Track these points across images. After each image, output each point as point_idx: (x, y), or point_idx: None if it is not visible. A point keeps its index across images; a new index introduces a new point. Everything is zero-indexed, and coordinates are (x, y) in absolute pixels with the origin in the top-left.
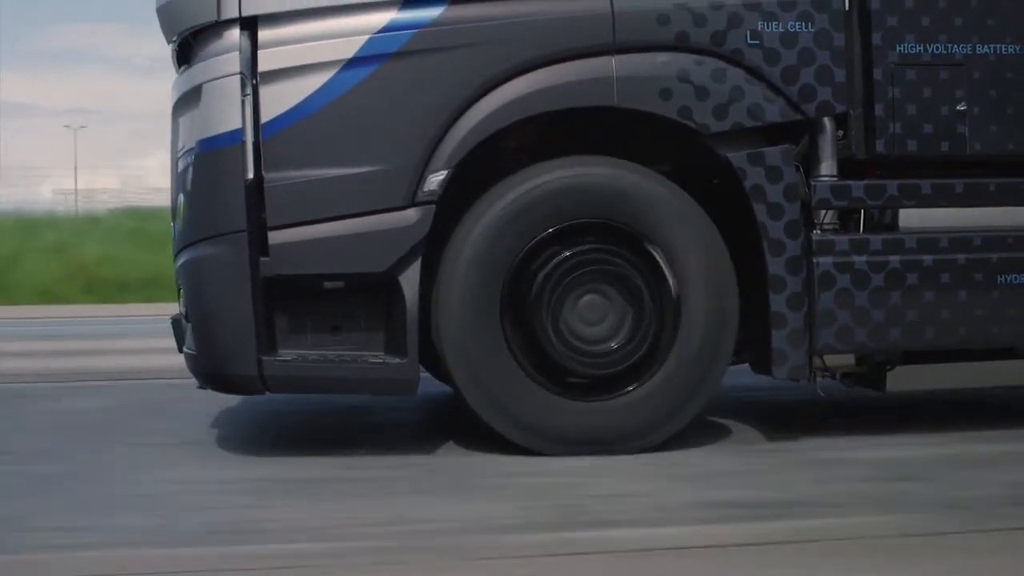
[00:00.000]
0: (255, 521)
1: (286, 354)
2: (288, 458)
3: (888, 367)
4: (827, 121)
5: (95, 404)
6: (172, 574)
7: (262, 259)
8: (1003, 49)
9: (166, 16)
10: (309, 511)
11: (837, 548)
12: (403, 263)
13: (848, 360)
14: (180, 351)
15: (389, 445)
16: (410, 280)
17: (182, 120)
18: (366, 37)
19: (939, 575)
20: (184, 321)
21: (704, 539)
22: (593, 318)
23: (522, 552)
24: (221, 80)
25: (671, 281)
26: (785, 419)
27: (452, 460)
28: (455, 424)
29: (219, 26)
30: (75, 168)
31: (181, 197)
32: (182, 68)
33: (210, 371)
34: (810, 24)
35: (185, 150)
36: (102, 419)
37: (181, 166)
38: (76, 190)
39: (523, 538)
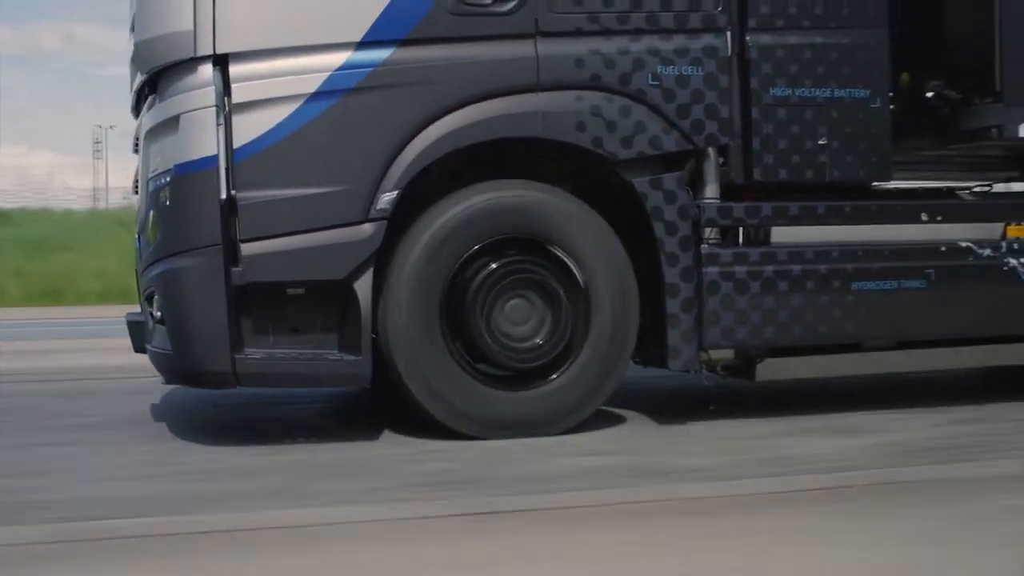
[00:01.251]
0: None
1: (254, 352)
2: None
3: (758, 360)
4: (712, 151)
5: None
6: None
7: (234, 269)
8: (856, 93)
9: (144, 51)
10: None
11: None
12: (358, 272)
13: (729, 354)
14: (138, 351)
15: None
16: (363, 287)
17: (156, 146)
18: (326, 75)
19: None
20: (152, 324)
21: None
22: (519, 319)
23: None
24: (198, 111)
25: (583, 287)
26: (671, 405)
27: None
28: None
29: (194, 62)
30: None
31: (153, 214)
32: (152, 98)
33: (185, 369)
34: (700, 68)
35: (161, 172)
36: None
37: (154, 186)
38: None
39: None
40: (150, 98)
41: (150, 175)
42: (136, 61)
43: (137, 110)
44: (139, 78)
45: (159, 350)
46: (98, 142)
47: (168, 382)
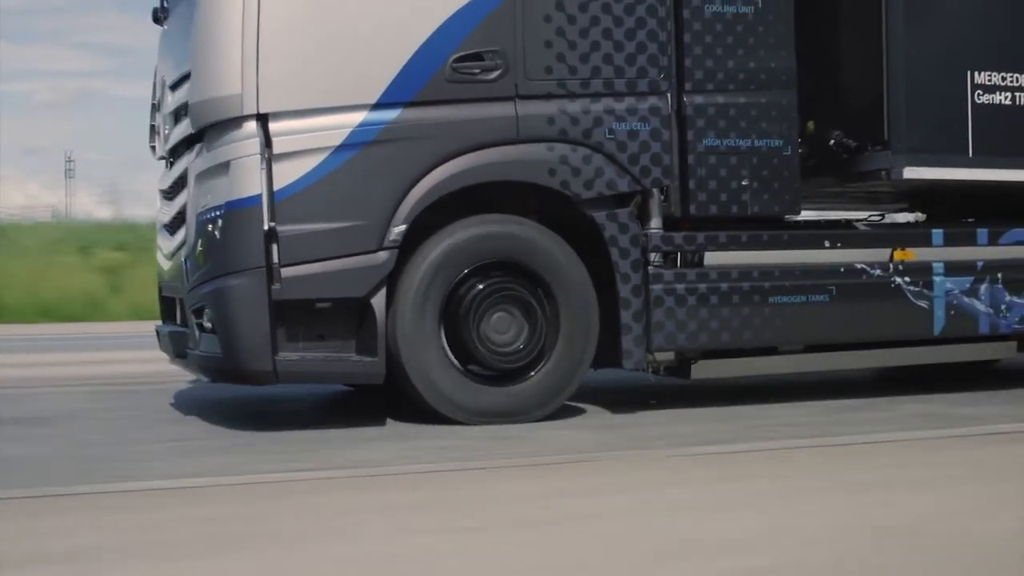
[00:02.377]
0: None
1: (290, 355)
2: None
3: (692, 361)
4: (656, 191)
5: None
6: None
7: (274, 287)
8: (772, 143)
9: (199, 109)
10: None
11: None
12: (374, 290)
13: (670, 356)
14: (178, 356)
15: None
16: (378, 302)
17: (206, 185)
18: (348, 130)
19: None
20: (198, 333)
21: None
22: (502, 328)
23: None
24: (245, 159)
25: (554, 302)
26: (621, 400)
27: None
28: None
29: (241, 119)
30: None
31: (202, 241)
32: (199, 146)
33: (234, 369)
34: (647, 124)
35: (211, 207)
36: None
37: (204, 219)
38: None
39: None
40: (198, 146)
41: (199, 210)
42: (191, 117)
43: (174, 152)
44: (184, 128)
45: (208, 354)
46: None
47: (214, 381)
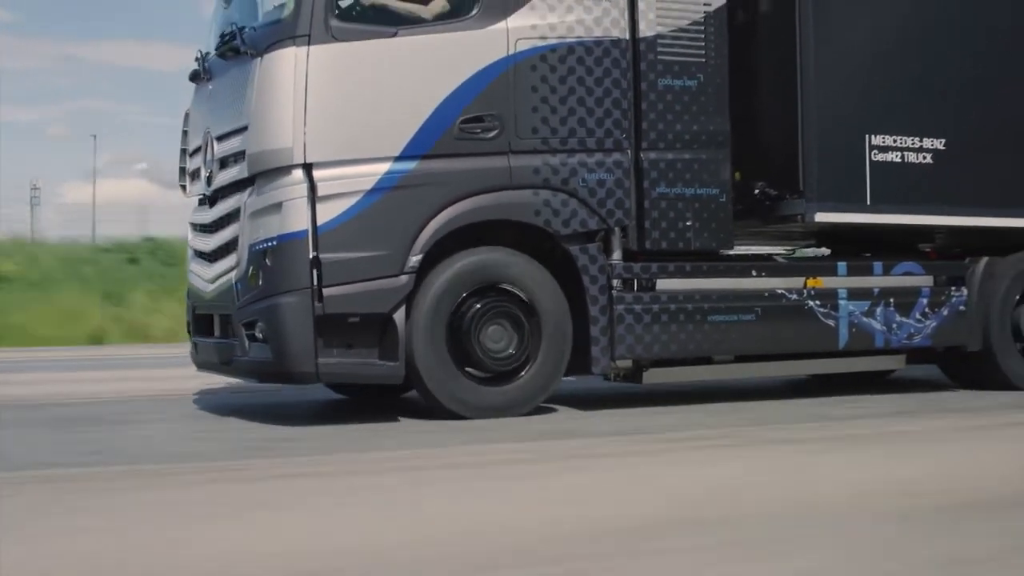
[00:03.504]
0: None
1: (328, 359)
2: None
3: (644, 369)
4: (618, 229)
5: None
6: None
7: (317, 304)
8: (710, 191)
9: (255, 158)
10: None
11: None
12: (395, 307)
13: (628, 364)
14: (224, 364)
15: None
16: (399, 317)
17: (259, 221)
18: (376, 177)
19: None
20: (248, 343)
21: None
22: (496, 338)
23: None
24: (295, 200)
25: (537, 317)
26: (585, 400)
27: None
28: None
29: (291, 167)
30: None
31: (254, 267)
32: (251, 189)
33: (283, 371)
34: (612, 175)
35: (264, 239)
36: None
37: (258, 249)
38: None
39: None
40: (250, 188)
41: (253, 241)
42: (248, 164)
43: (217, 192)
44: (236, 172)
45: (258, 360)
46: None
47: (261, 382)
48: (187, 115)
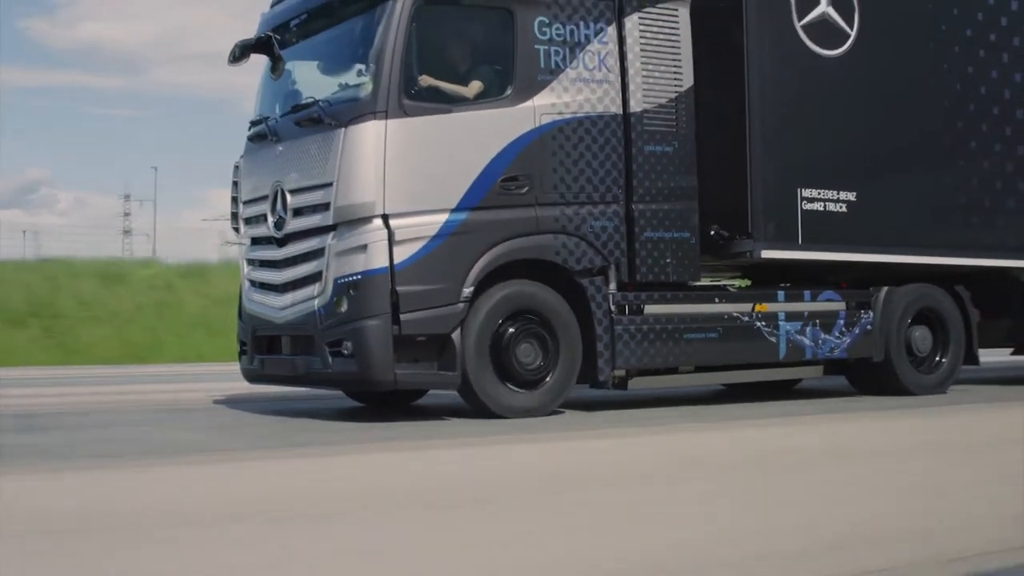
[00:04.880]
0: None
1: (403, 370)
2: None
3: (629, 378)
4: (614, 265)
5: None
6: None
7: (394, 326)
8: (682, 235)
9: (343, 209)
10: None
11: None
12: (453, 328)
13: (623, 374)
14: (301, 376)
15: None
16: (456, 336)
17: (345, 259)
18: (438, 225)
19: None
20: (331, 358)
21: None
22: (527, 353)
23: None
24: (378, 243)
25: (556, 336)
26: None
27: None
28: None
29: (373, 216)
30: None
31: (341, 295)
32: (334, 233)
33: (367, 380)
34: (611, 223)
35: (350, 274)
36: None
37: (344, 282)
38: None
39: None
40: (334, 232)
41: (339, 275)
42: (335, 213)
43: (287, 236)
44: (317, 220)
45: (344, 372)
46: None
47: (346, 391)
48: (237, 168)
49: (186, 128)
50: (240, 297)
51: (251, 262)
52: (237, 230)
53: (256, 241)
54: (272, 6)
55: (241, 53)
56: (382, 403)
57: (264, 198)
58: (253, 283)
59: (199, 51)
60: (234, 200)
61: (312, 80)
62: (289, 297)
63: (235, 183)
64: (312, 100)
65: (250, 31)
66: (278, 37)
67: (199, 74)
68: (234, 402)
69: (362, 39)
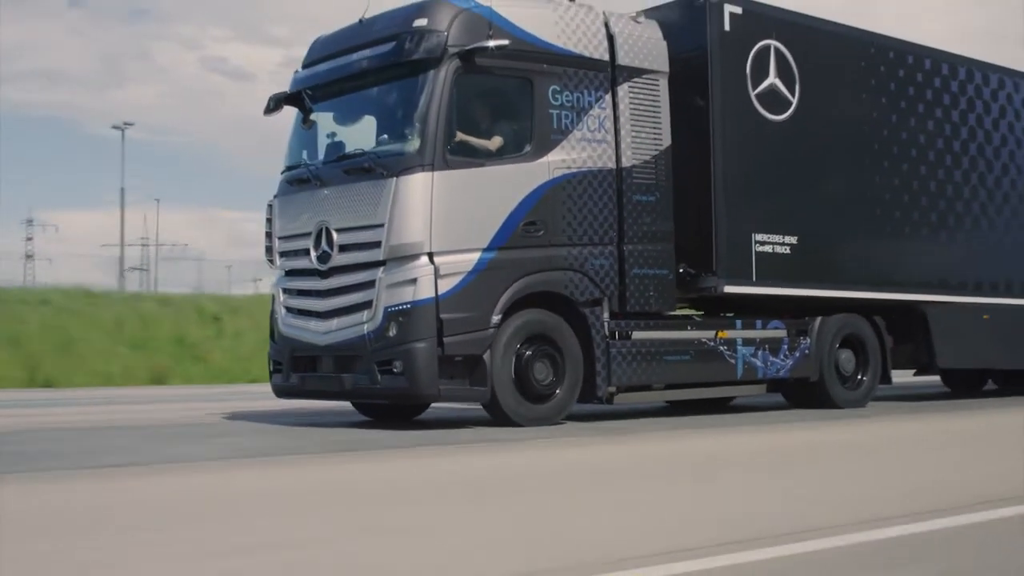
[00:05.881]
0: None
1: (445, 385)
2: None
3: (615, 394)
4: (607, 298)
5: None
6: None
7: (438, 349)
8: (660, 271)
9: (395, 248)
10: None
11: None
12: (484, 350)
13: (614, 390)
14: (351, 390)
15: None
16: (487, 357)
17: (395, 290)
18: (473, 261)
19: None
20: (379, 375)
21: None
22: (541, 372)
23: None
24: (425, 276)
25: (563, 356)
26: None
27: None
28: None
29: (421, 254)
30: None
31: (391, 320)
32: (383, 268)
33: (415, 395)
34: (607, 261)
35: (400, 303)
36: None
37: (394, 310)
38: None
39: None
40: (387, 266)
41: (389, 304)
42: (387, 250)
43: (332, 269)
44: (365, 256)
45: (393, 388)
46: None
47: (395, 404)
48: (271, 206)
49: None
50: (272, 321)
51: (288, 291)
52: (272, 262)
53: (291, 273)
54: (304, 67)
55: (276, 105)
56: (388, 416)
57: (305, 235)
58: (290, 309)
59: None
60: (268, 235)
61: (350, 133)
62: (335, 322)
63: (268, 220)
64: (361, 152)
65: (91, 47)
66: (310, 93)
67: (37, 93)
68: (255, 418)
69: (405, 100)
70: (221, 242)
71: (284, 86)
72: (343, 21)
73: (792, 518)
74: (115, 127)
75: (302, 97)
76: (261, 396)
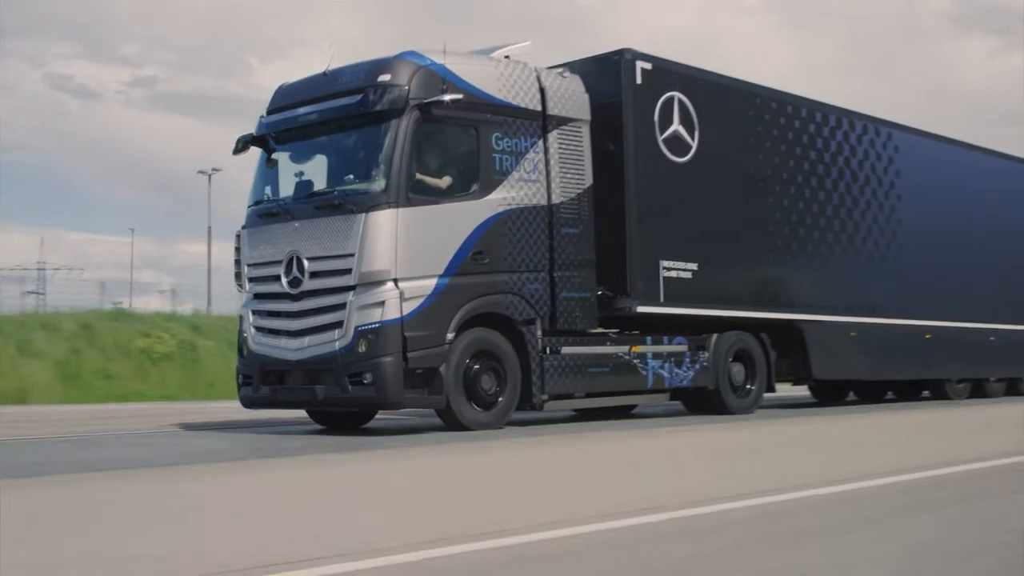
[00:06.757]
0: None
1: (409, 394)
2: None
3: (545, 402)
4: (539, 318)
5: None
6: None
7: (403, 363)
8: (583, 294)
9: (367, 275)
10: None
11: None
12: (440, 363)
13: (546, 398)
14: (306, 401)
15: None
16: (443, 369)
17: (365, 311)
18: (432, 286)
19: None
20: (350, 386)
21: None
22: (487, 382)
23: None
24: (392, 299)
25: (504, 370)
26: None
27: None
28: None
29: (388, 280)
30: None
31: (360, 338)
32: (353, 292)
33: (384, 402)
34: (542, 285)
35: (369, 323)
36: None
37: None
38: None
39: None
40: (357, 290)
41: (360, 324)
42: (358, 276)
43: (303, 293)
44: (334, 282)
45: (364, 396)
46: None
47: (363, 411)
48: (239, 236)
49: None
50: (240, 339)
51: (258, 312)
52: (241, 287)
53: (260, 296)
54: (270, 112)
55: (243, 146)
56: (338, 425)
57: (275, 263)
58: (260, 329)
59: None
60: (237, 263)
61: (316, 172)
62: (306, 340)
63: (237, 248)
64: (331, 190)
65: None
66: (275, 136)
67: None
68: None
69: (370, 145)
70: (68, 263)
71: (132, 106)
72: (192, 40)
73: (697, 493)
74: None
75: (267, 140)
76: None
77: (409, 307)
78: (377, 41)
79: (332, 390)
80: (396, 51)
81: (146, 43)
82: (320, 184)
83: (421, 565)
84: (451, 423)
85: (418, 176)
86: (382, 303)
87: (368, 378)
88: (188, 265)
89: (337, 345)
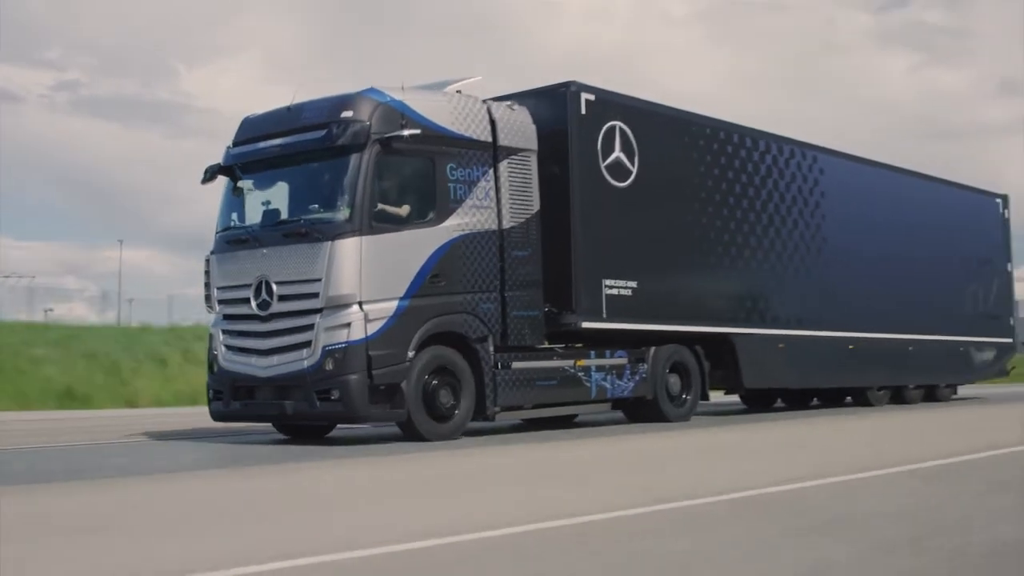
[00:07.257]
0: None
1: (372, 409)
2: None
3: (497, 412)
4: (491, 335)
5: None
6: None
7: (368, 380)
8: (531, 312)
9: (333, 298)
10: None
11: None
12: (403, 379)
13: (499, 410)
14: (274, 415)
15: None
16: (404, 386)
17: (331, 332)
18: (393, 308)
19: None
20: (319, 401)
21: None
22: (445, 396)
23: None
24: (357, 320)
25: (460, 384)
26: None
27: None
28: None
29: (354, 303)
30: None
31: (328, 359)
32: (322, 314)
33: (350, 417)
34: (494, 305)
35: (336, 343)
36: None
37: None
38: None
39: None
40: (323, 312)
41: (327, 343)
42: (326, 299)
43: (272, 315)
44: (302, 304)
45: (332, 411)
46: None
47: (331, 424)
48: (208, 261)
49: None
50: (211, 357)
51: (228, 332)
52: (211, 308)
53: (229, 317)
54: (236, 144)
55: (211, 176)
56: (302, 435)
57: (245, 286)
58: (230, 347)
59: None
60: (207, 286)
61: (282, 201)
62: (275, 359)
63: (207, 272)
64: (297, 219)
65: None
66: (241, 167)
67: None
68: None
69: (334, 177)
70: None
71: (56, 109)
72: (117, 45)
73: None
74: None
75: (234, 170)
76: None
77: (373, 328)
78: (311, 52)
79: (301, 405)
80: (324, 58)
81: (69, 47)
82: (285, 213)
83: (424, 552)
84: (411, 434)
85: (380, 206)
86: (348, 324)
87: (335, 394)
88: (111, 272)
89: (306, 363)
